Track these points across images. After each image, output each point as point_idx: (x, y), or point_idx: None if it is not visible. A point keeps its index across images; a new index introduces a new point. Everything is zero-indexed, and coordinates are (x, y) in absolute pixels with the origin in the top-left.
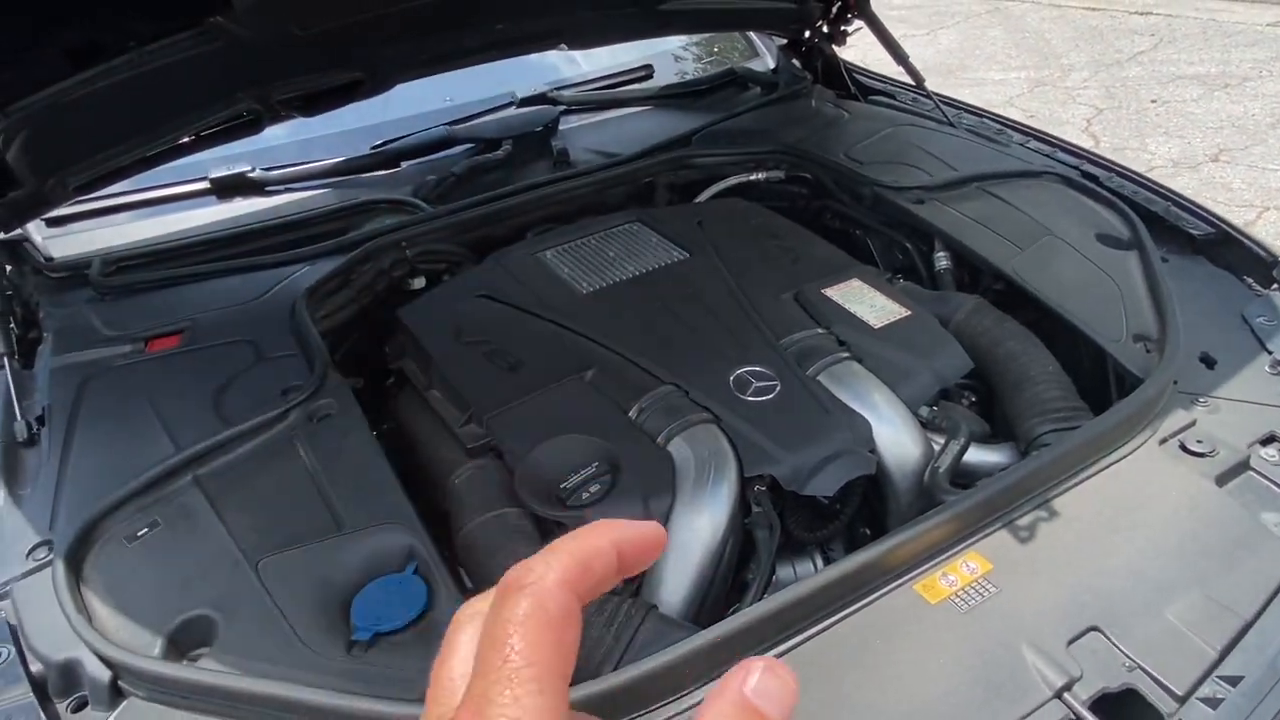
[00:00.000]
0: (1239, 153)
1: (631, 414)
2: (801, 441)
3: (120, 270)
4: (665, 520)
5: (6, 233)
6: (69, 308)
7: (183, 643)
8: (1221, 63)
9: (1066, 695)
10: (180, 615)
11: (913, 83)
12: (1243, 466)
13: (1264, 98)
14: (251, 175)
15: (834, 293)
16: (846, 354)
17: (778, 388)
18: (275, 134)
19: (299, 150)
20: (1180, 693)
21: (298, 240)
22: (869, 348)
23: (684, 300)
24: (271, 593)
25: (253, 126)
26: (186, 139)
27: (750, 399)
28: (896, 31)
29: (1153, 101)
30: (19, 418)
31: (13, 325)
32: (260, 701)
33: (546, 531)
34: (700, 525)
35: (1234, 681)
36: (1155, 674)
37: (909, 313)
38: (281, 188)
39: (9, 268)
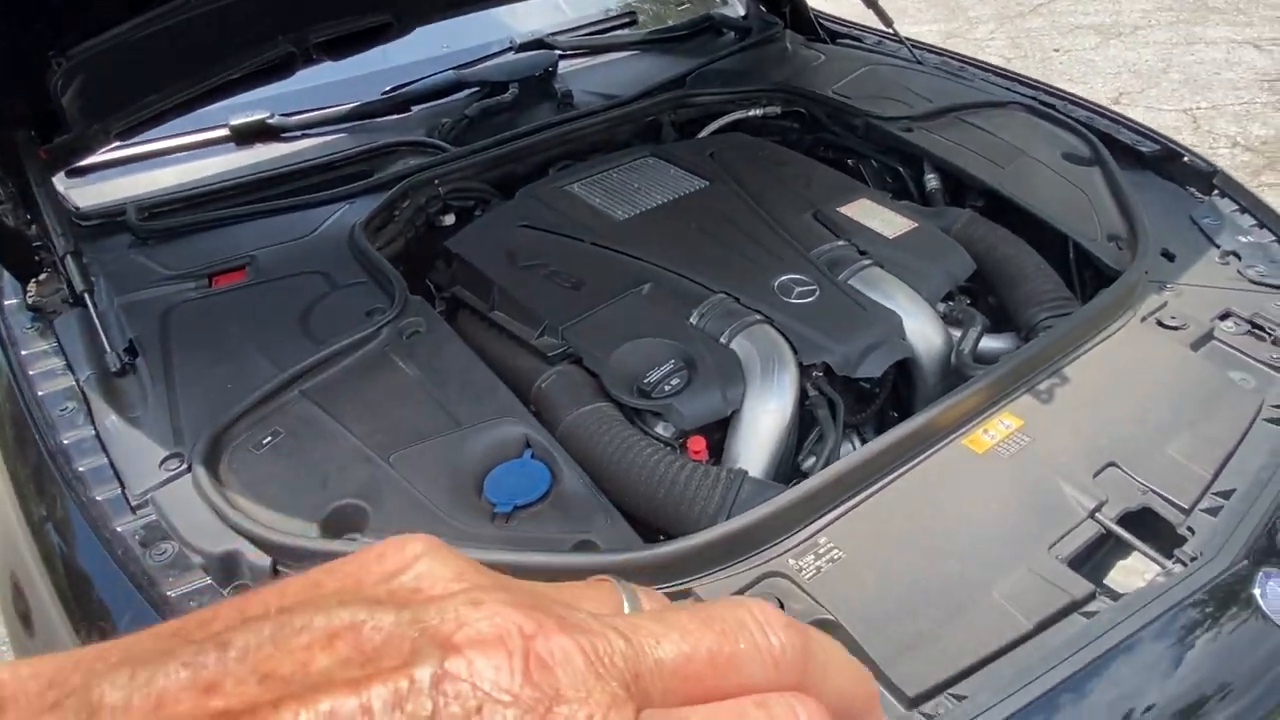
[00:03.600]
0: (1137, 95)
1: (692, 320)
2: (847, 333)
3: (154, 216)
4: (740, 406)
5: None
6: (111, 253)
7: (336, 528)
8: (1114, 13)
9: (1098, 515)
10: (330, 504)
11: (879, 27)
12: (1208, 337)
13: (1154, 45)
14: (271, 121)
15: (849, 210)
16: (869, 261)
17: (817, 291)
18: (287, 81)
19: (310, 97)
20: (1186, 506)
21: (327, 182)
22: (887, 255)
23: (715, 221)
24: (410, 481)
25: (285, 70)
26: (223, 82)
27: (795, 301)
28: None
29: (1055, 50)
30: (108, 350)
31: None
32: None
33: (633, 420)
34: (771, 409)
35: (1227, 494)
36: (1165, 494)
37: (916, 224)
38: (299, 133)
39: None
